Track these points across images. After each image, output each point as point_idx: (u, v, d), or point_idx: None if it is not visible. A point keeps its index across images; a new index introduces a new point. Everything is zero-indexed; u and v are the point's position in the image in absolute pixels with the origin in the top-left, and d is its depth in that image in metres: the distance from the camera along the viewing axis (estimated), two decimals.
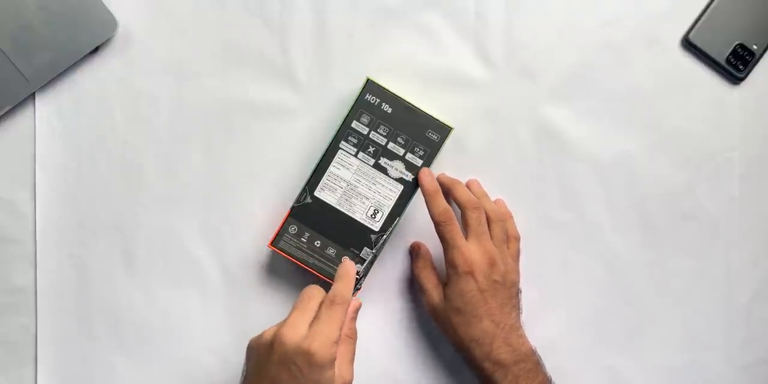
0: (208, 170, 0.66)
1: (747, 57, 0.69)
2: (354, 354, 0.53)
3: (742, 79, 0.70)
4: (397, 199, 0.61)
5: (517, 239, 0.64)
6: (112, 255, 0.66)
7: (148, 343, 0.66)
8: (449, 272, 0.59)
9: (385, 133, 0.60)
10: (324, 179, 0.60)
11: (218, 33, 0.66)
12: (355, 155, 0.60)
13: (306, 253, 0.60)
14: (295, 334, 0.49)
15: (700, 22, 0.69)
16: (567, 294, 0.69)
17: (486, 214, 0.61)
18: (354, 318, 0.54)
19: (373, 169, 0.60)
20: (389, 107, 0.60)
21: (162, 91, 0.66)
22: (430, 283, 0.62)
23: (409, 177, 0.60)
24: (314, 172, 0.60)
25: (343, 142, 0.60)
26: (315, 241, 0.60)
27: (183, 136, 0.66)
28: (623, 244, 0.69)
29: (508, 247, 0.62)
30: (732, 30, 0.69)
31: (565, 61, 0.69)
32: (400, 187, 0.61)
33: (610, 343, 0.69)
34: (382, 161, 0.60)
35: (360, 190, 0.60)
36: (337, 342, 0.50)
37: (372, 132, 0.60)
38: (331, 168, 0.60)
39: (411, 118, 0.60)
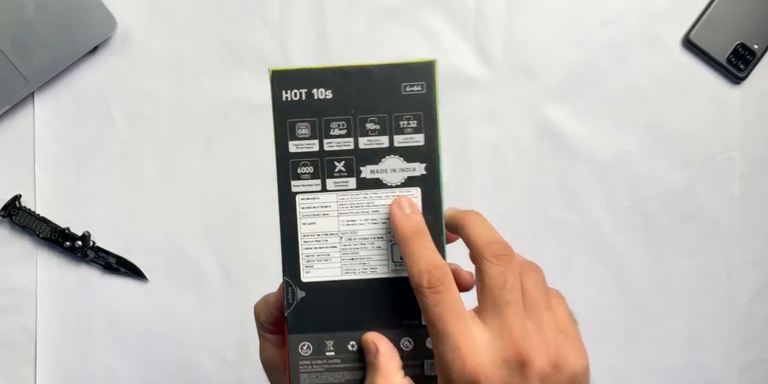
0: (207, 170, 0.66)
1: (748, 56, 0.69)
2: None
3: (742, 79, 0.70)
4: (423, 210, 0.38)
5: (559, 296, 0.37)
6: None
7: (147, 343, 0.66)
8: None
9: (344, 131, 0.38)
10: (303, 251, 0.38)
11: (218, 32, 0.66)
12: (323, 189, 0.38)
13: (344, 369, 0.38)
14: None
15: (700, 21, 0.69)
16: (567, 294, 0.69)
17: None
18: None
19: (360, 192, 0.38)
20: (325, 90, 0.38)
21: (161, 90, 0.66)
22: None
23: (420, 169, 0.38)
24: (283, 249, 0.38)
25: (293, 182, 0.38)
26: (347, 344, 0.37)
27: (182, 136, 0.66)
28: (623, 243, 0.69)
29: (554, 313, 0.35)
30: (733, 29, 0.69)
31: (566, 61, 0.68)
32: (416, 191, 0.38)
33: (610, 343, 0.69)
34: (366, 172, 0.38)
35: (362, 232, 0.38)
36: None
37: (325, 140, 0.38)
38: (302, 229, 0.38)
39: (366, 85, 0.38)
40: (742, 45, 0.69)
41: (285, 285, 0.38)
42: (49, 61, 0.63)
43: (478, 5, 0.68)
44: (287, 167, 0.38)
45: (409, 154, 0.38)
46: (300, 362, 0.38)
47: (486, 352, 0.31)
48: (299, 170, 0.38)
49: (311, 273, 0.38)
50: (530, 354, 0.31)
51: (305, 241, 0.38)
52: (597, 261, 0.69)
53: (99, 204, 0.66)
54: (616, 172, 0.69)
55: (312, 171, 0.38)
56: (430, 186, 0.37)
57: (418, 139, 0.38)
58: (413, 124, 0.38)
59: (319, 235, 0.38)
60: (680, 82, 0.70)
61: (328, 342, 0.38)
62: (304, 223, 0.38)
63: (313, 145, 0.38)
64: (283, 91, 0.38)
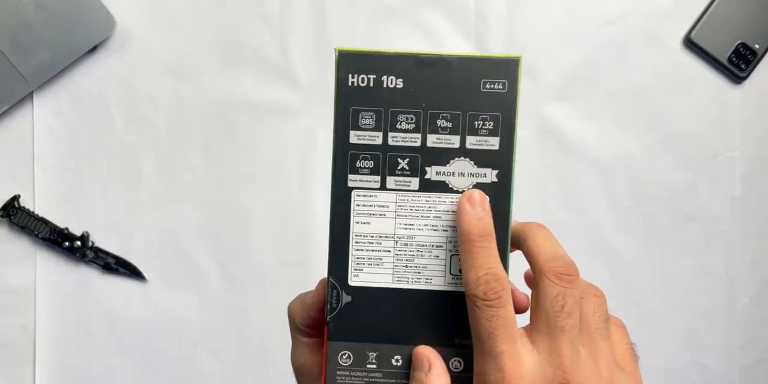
0: (207, 170, 0.66)
1: (749, 56, 0.69)
2: None
3: (743, 79, 0.69)
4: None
5: (621, 326, 0.35)
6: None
7: (146, 343, 0.66)
8: None
9: (411, 125, 0.34)
10: (353, 252, 0.35)
11: (217, 32, 0.66)
12: (382, 187, 0.34)
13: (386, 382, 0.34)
14: None
15: (701, 21, 0.69)
16: None
17: None
18: None
19: (422, 194, 0.34)
20: (395, 78, 0.34)
21: (161, 90, 0.66)
22: None
23: (491, 175, 0.35)
24: (331, 247, 0.35)
25: (350, 176, 0.34)
26: (392, 357, 0.34)
27: (182, 136, 0.66)
28: (624, 243, 0.69)
29: (612, 344, 0.32)
30: (734, 29, 0.69)
31: (566, 61, 0.68)
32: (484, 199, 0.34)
33: None
34: (431, 173, 0.34)
35: (420, 238, 0.34)
36: None
37: (390, 134, 0.34)
38: (354, 228, 0.34)
39: (441, 77, 0.34)
40: (743, 45, 0.69)
41: (330, 287, 0.34)
42: (48, 61, 0.63)
43: (479, 5, 0.67)
44: (346, 159, 0.34)
45: (481, 158, 0.34)
46: (338, 372, 0.34)
47: (531, 378, 0.28)
48: (358, 164, 0.34)
49: (360, 277, 0.35)
50: None
51: (357, 242, 0.34)
52: (598, 261, 0.69)
53: (98, 204, 0.65)
54: (617, 171, 0.69)
55: (372, 166, 0.34)
56: (499, 196, 0.34)
57: (493, 143, 0.35)
58: (489, 125, 0.35)
59: (372, 236, 0.35)
60: (681, 82, 0.69)
61: (370, 353, 0.34)
62: (358, 222, 0.34)
63: (377, 138, 0.34)
64: (350, 75, 0.34)
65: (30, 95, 0.64)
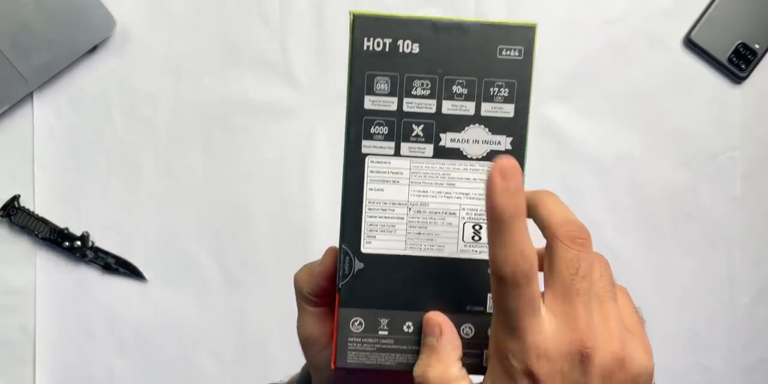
0: (207, 170, 0.66)
1: (749, 56, 0.69)
2: None
3: (744, 79, 0.69)
4: None
5: (625, 292, 0.35)
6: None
7: (146, 343, 0.66)
8: (494, 367, 0.30)
9: (427, 91, 0.34)
10: (366, 219, 0.34)
11: (217, 32, 0.66)
12: (396, 153, 0.34)
13: (396, 350, 0.34)
14: None
15: (701, 21, 0.69)
16: None
17: None
18: None
19: (436, 161, 0.34)
20: (411, 43, 0.34)
21: (161, 90, 0.66)
22: None
23: (505, 143, 0.34)
24: (344, 215, 0.34)
25: (364, 142, 0.34)
26: (403, 324, 0.34)
27: (182, 136, 0.66)
28: (624, 243, 0.69)
29: (619, 308, 0.32)
30: (734, 29, 0.69)
31: (566, 60, 0.68)
32: None
33: None
34: (446, 140, 0.34)
35: (433, 205, 0.34)
36: None
37: (405, 99, 0.34)
38: (368, 195, 0.34)
39: (458, 43, 0.34)
40: (743, 45, 0.69)
41: (342, 254, 0.34)
42: (48, 61, 0.63)
43: (479, 5, 0.67)
44: (360, 124, 0.33)
45: (495, 125, 0.33)
46: (349, 339, 0.34)
47: (550, 343, 0.29)
48: (372, 130, 0.34)
49: (373, 244, 0.34)
50: (595, 347, 0.29)
51: (370, 209, 0.34)
52: None
53: (98, 204, 0.65)
54: (618, 172, 0.69)
55: (386, 132, 0.34)
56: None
57: (508, 110, 0.33)
58: (504, 92, 0.34)
59: (386, 203, 0.34)
60: (681, 82, 0.69)
61: (382, 320, 0.34)
62: (371, 189, 0.34)
63: (391, 104, 0.34)
64: (365, 39, 0.33)
65: (30, 95, 0.64)
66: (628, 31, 0.69)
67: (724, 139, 0.70)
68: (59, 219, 0.65)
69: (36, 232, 0.64)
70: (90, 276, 0.66)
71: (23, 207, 0.65)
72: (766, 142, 0.71)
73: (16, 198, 0.65)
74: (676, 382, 0.70)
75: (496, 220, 0.29)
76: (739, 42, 0.69)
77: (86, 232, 0.65)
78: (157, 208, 0.66)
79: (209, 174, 0.66)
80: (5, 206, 0.64)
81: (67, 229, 0.65)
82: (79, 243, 0.65)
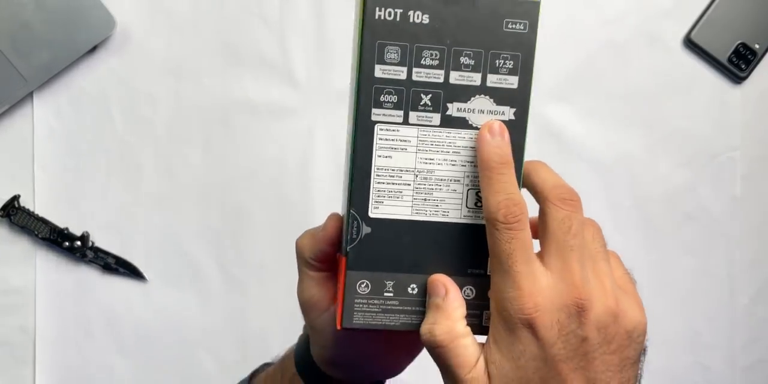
0: (207, 170, 0.66)
1: (749, 56, 0.69)
2: None
3: (744, 79, 0.69)
4: None
5: (616, 255, 0.38)
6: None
7: (146, 343, 0.66)
8: (495, 322, 0.32)
9: (435, 61, 0.35)
10: (374, 185, 0.36)
11: (217, 32, 0.66)
12: (404, 122, 0.35)
13: (401, 312, 0.36)
14: None
15: (701, 21, 0.69)
16: None
17: None
18: None
19: (443, 130, 0.36)
20: (422, 13, 0.35)
21: (161, 90, 0.66)
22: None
23: (509, 113, 0.35)
24: (352, 181, 0.36)
25: (374, 110, 0.35)
26: (408, 286, 0.36)
27: (182, 136, 0.66)
28: (624, 244, 0.69)
29: (611, 268, 0.35)
30: (734, 29, 0.69)
31: (566, 61, 0.68)
32: None
33: None
34: (453, 110, 0.36)
35: (438, 172, 0.36)
36: None
37: (414, 69, 0.35)
38: (376, 162, 0.36)
39: (467, 14, 0.35)
40: (743, 44, 0.69)
41: (350, 218, 0.35)
42: (48, 61, 0.63)
43: None
44: (370, 93, 0.35)
45: (500, 96, 0.35)
46: (356, 300, 0.35)
47: (547, 295, 0.31)
48: (382, 98, 0.35)
49: (380, 209, 0.36)
50: (590, 300, 0.31)
51: (378, 175, 0.35)
52: None
53: (98, 204, 0.65)
54: (617, 172, 0.69)
55: (395, 101, 0.35)
56: (515, 133, 0.35)
57: (512, 82, 0.35)
58: (509, 64, 0.35)
59: (393, 170, 0.36)
60: (681, 82, 0.69)
61: (387, 282, 0.36)
62: (380, 156, 0.35)
63: (401, 73, 0.35)
64: (377, 9, 0.34)
65: (30, 95, 0.64)
66: (628, 31, 0.69)
67: (724, 139, 0.70)
68: (59, 219, 0.65)
69: (36, 232, 0.64)
70: (90, 276, 0.66)
71: (23, 207, 0.65)
72: (766, 142, 0.71)
73: (16, 198, 0.65)
74: (676, 382, 0.70)
75: (486, 169, 0.33)
76: (739, 42, 0.69)
77: (86, 232, 0.65)
78: (157, 208, 0.66)
79: (209, 174, 0.66)
80: (5, 206, 0.64)
81: (67, 229, 0.65)
82: (79, 243, 0.65)
